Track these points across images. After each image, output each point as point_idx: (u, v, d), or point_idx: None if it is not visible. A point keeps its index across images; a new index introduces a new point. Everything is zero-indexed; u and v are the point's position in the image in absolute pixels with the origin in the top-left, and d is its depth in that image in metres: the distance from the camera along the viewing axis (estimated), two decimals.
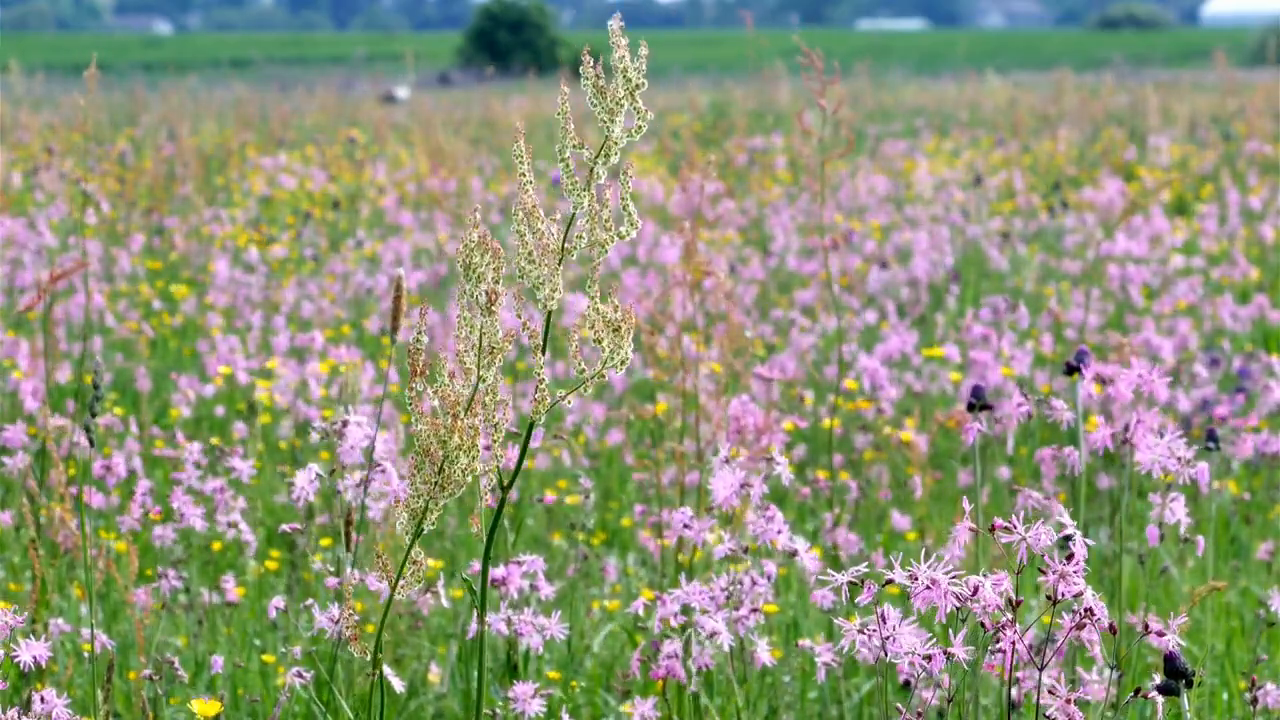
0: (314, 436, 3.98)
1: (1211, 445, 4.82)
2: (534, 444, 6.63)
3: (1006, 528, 2.62)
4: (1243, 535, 6.33)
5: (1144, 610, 4.15)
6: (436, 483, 2.65)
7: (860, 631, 2.64)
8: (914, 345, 8.43)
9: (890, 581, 2.60)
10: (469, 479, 2.65)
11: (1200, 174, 15.76)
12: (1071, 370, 3.88)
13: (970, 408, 4.09)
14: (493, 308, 2.64)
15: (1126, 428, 3.50)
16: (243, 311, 9.75)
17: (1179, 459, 3.47)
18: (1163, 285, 10.47)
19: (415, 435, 2.64)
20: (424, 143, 17.02)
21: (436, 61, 46.85)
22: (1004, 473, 6.60)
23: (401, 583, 2.70)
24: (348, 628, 2.77)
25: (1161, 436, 3.50)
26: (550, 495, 5.64)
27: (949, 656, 2.62)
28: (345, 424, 3.92)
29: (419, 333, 2.66)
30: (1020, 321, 6.71)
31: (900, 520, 5.96)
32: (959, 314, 9.96)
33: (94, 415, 3.79)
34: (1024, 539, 2.61)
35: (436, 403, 2.64)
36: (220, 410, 7.72)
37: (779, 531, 3.76)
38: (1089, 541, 2.67)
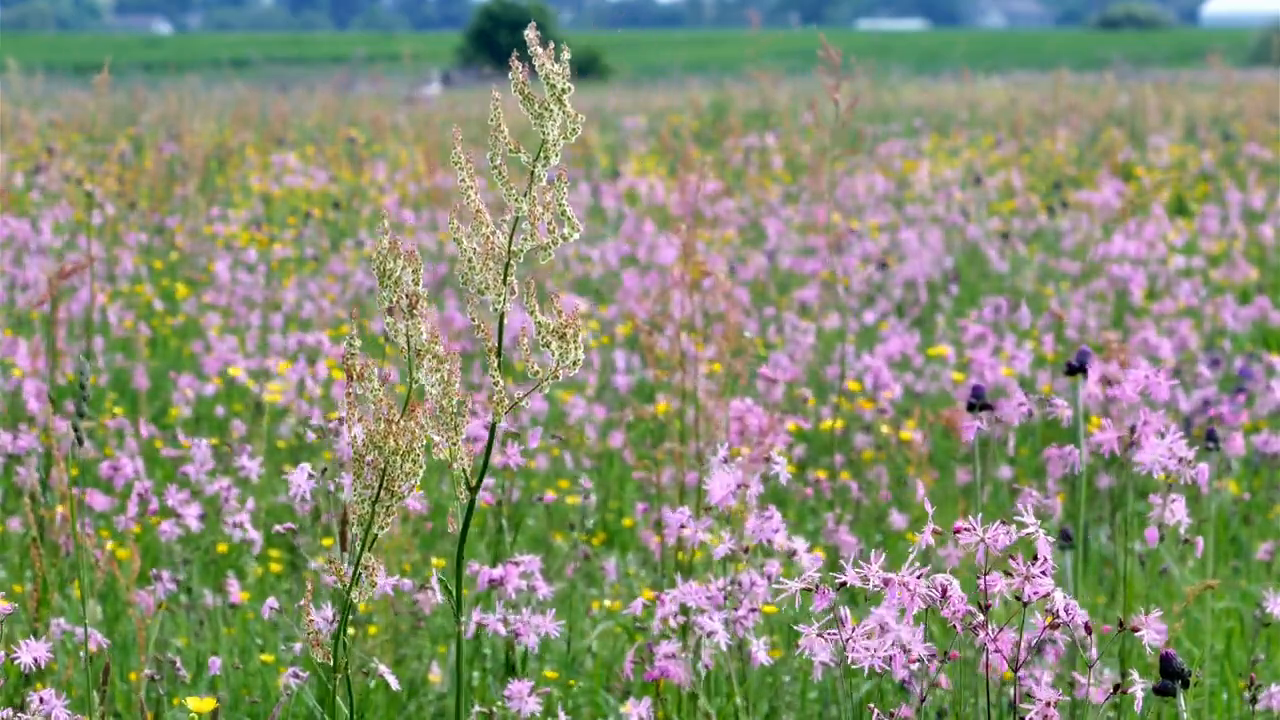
0: (310, 435, 3.98)
1: (1211, 445, 4.83)
2: (533, 444, 6.62)
3: (967, 529, 2.63)
4: (1243, 535, 6.33)
5: (1144, 610, 4.15)
6: (382, 486, 2.66)
7: (819, 635, 2.66)
8: (915, 345, 8.43)
9: (844, 584, 2.62)
10: (414, 482, 2.66)
11: (1200, 174, 15.77)
12: (1073, 370, 3.88)
13: (970, 408, 4.09)
14: (414, 310, 2.66)
15: (1133, 430, 3.50)
16: (242, 311, 9.75)
17: (1179, 459, 3.47)
18: (1164, 286, 10.47)
19: (352, 440, 2.66)
20: (423, 141, 17.01)
21: (437, 61, 46.84)
22: (1004, 473, 6.60)
23: (356, 590, 2.71)
24: (311, 634, 2.77)
25: (1163, 437, 3.50)
26: (550, 495, 5.64)
27: (912, 656, 2.62)
28: (341, 420, 3.92)
29: (350, 338, 2.67)
30: (1021, 322, 6.72)
31: (899, 520, 5.96)
32: (957, 314, 9.97)
33: (82, 416, 3.79)
34: (982, 540, 2.62)
35: (373, 407, 2.66)
36: (220, 410, 7.72)
37: (776, 531, 3.76)
38: (1055, 541, 2.67)
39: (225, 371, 7.95)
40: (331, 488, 3.91)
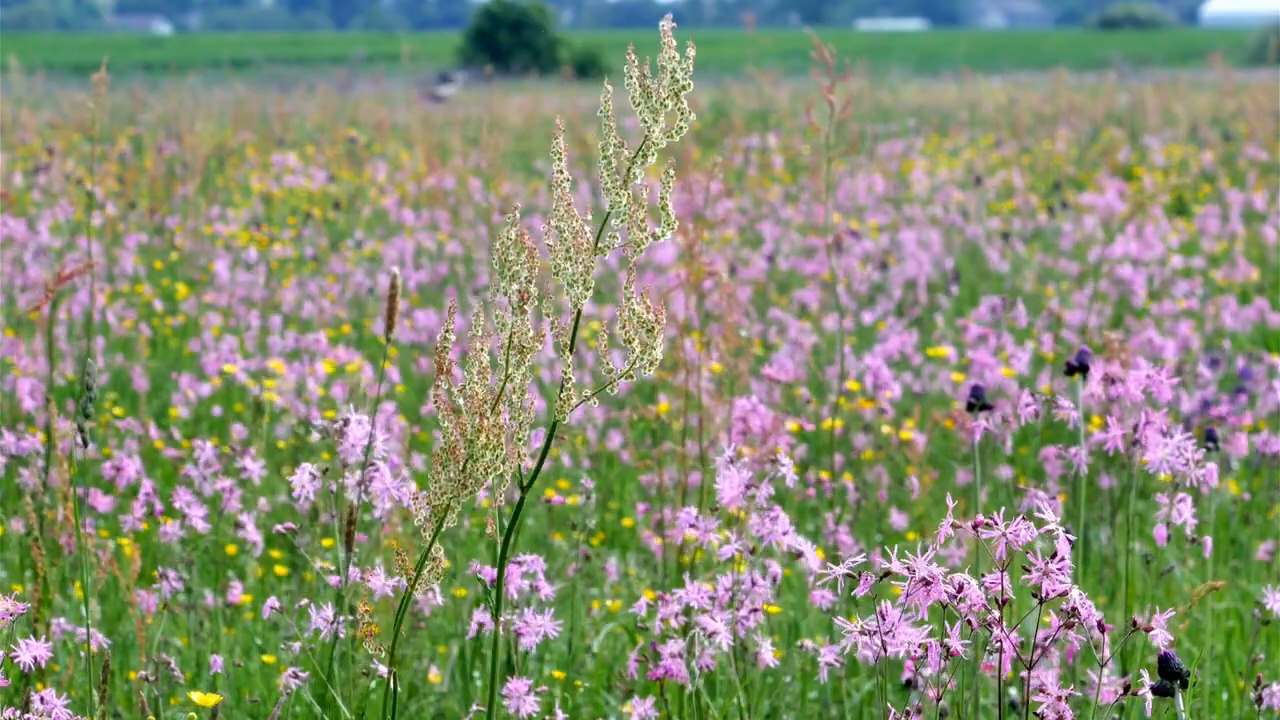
0: (315, 436, 3.98)
1: (1211, 445, 4.83)
2: (535, 444, 6.63)
3: (987, 523, 2.62)
4: (1242, 535, 6.33)
5: (1149, 611, 4.14)
6: (459, 481, 2.64)
7: (862, 632, 2.64)
8: (914, 345, 8.44)
9: (888, 573, 2.60)
10: (490, 477, 2.64)
11: (1200, 174, 15.77)
12: (1073, 370, 3.88)
13: (970, 408, 4.09)
14: (524, 306, 2.64)
15: (1136, 428, 3.50)
16: (242, 311, 9.76)
17: (1187, 460, 3.47)
18: (1162, 286, 10.47)
19: (444, 432, 2.64)
20: (425, 141, 17.02)
21: (437, 62, 46.85)
22: (1004, 472, 6.60)
23: (420, 580, 2.70)
24: (360, 627, 2.76)
25: (1168, 438, 3.50)
26: (550, 496, 5.65)
27: (946, 650, 2.62)
28: (346, 422, 3.92)
29: (446, 330, 2.66)
30: (1019, 320, 6.73)
31: (899, 520, 5.96)
32: (957, 313, 9.97)
33: (87, 416, 3.79)
34: (1004, 535, 2.61)
35: (461, 401, 2.64)
36: (218, 410, 7.72)
37: (785, 533, 3.76)
38: (1071, 538, 2.67)
39: (223, 371, 7.96)
40: (334, 488, 3.91)
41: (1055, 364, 8.17)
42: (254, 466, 4.71)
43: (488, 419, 2.61)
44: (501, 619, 3.96)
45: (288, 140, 19.03)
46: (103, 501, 5.18)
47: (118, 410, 7.41)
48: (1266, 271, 11.25)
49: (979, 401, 4.09)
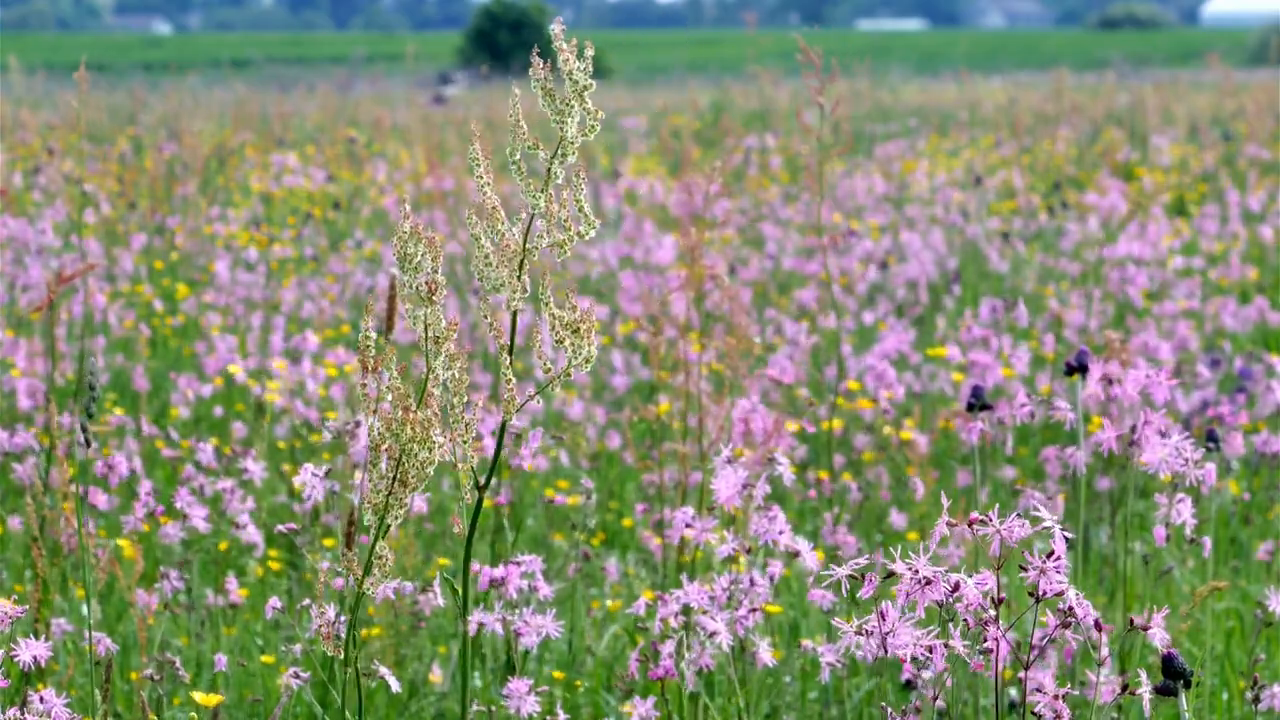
0: (325, 436, 3.98)
1: (1211, 445, 4.83)
2: (533, 444, 6.62)
3: (982, 520, 2.62)
4: (1243, 535, 6.33)
5: (1148, 611, 4.14)
6: (395, 477, 2.66)
7: (858, 632, 2.64)
8: (913, 345, 8.43)
9: (892, 574, 2.60)
10: (429, 472, 2.65)
11: (1200, 175, 15.77)
12: (1072, 371, 3.88)
13: (970, 408, 4.09)
14: (433, 297, 2.66)
15: (1133, 429, 3.50)
16: (240, 311, 9.75)
17: (1186, 460, 3.48)
18: (1162, 287, 10.47)
19: (368, 429, 2.66)
20: (424, 141, 17.01)
21: (437, 62, 46.84)
22: (1005, 473, 6.60)
23: (369, 580, 2.71)
24: (323, 626, 2.77)
25: (1167, 438, 3.51)
26: (550, 496, 5.65)
27: (949, 649, 2.61)
28: (358, 424, 3.92)
29: (366, 330, 2.67)
30: (1019, 321, 6.73)
31: (900, 520, 5.96)
32: (957, 314, 9.97)
33: (90, 416, 3.79)
34: (998, 531, 2.60)
35: (389, 397, 2.65)
36: (219, 410, 7.72)
37: (781, 532, 3.76)
38: (1069, 535, 2.67)
39: (225, 371, 7.95)
40: (337, 488, 3.91)
41: (1055, 364, 8.17)
42: (255, 467, 4.71)
43: (413, 412, 2.62)
44: (503, 619, 3.95)
45: (287, 140, 19.03)
46: (103, 500, 5.19)
47: (118, 410, 7.41)
48: (1266, 271, 11.25)
49: (979, 402, 4.09)
